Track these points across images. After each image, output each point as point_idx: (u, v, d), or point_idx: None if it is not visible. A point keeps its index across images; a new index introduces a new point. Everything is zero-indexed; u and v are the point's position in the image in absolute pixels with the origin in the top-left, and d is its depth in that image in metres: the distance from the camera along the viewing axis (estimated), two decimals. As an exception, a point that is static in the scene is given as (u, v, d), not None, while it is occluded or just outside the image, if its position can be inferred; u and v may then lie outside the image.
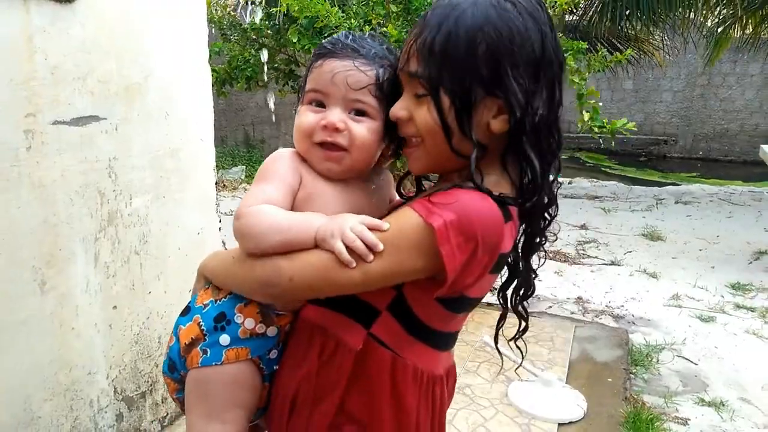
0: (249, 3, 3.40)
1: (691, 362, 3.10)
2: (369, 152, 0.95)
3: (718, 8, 6.97)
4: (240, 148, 8.89)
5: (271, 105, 3.63)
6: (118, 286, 1.95)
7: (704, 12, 7.00)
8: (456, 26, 0.82)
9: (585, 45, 3.04)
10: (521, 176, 0.88)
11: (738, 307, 3.81)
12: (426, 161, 0.91)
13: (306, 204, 0.93)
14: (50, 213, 1.70)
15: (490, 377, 2.72)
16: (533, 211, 0.89)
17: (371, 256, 0.80)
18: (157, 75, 1.98)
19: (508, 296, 0.98)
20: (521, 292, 0.97)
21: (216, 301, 0.97)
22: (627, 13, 6.48)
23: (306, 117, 0.94)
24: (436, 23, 0.83)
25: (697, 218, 5.99)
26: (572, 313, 3.65)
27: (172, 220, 2.13)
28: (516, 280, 0.97)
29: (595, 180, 8.34)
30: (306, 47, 2.96)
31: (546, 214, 0.92)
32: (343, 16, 2.82)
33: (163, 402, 2.21)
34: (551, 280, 4.19)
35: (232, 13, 3.64)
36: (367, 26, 2.83)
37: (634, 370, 2.97)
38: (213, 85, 2.44)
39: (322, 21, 2.78)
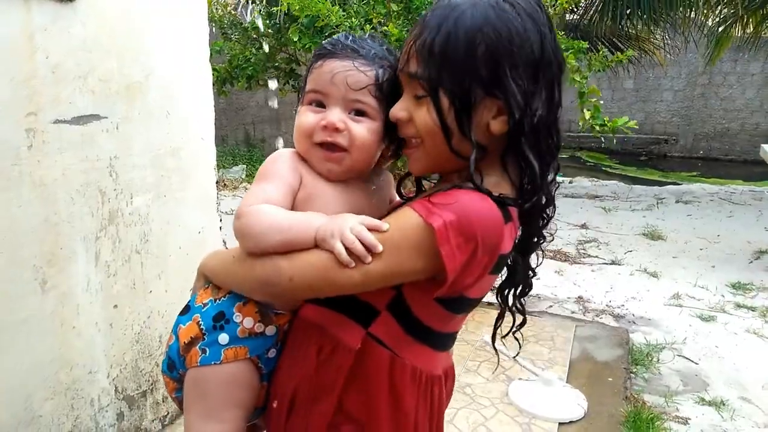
0: (249, 2, 3.41)
1: (692, 361, 3.10)
2: (369, 152, 0.95)
3: (718, 7, 6.97)
4: (240, 148, 8.89)
5: (275, 105, 3.64)
6: (118, 285, 1.96)
7: (705, 11, 6.99)
8: (455, 27, 0.82)
9: (586, 45, 3.04)
10: (521, 177, 0.88)
11: (738, 306, 3.81)
12: (426, 162, 0.92)
13: (306, 204, 0.93)
14: (51, 212, 1.71)
15: (491, 376, 2.72)
16: (532, 212, 0.89)
17: (369, 258, 0.80)
18: (158, 74, 1.98)
19: (507, 295, 0.99)
20: (519, 289, 0.98)
21: (215, 300, 0.97)
22: (628, 12, 6.48)
23: (306, 117, 0.95)
24: (436, 24, 0.83)
25: (697, 217, 5.99)
26: (573, 312, 3.65)
27: (173, 219, 2.13)
28: (515, 280, 0.97)
29: (595, 179, 8.34)
30: (307, 46, 2.96)
31: (544, 214, 0.93)
32: (343, 15, 2.82)
33: (163, 401, 2.21)
34: (552, 280, 4.19)
35: (233, 12, 3.64)
36: (367, 25, 2.83)
37: (634, 370, 2.97)
38: (214, 84, 2.43)
39: (322, 20, 2.78)
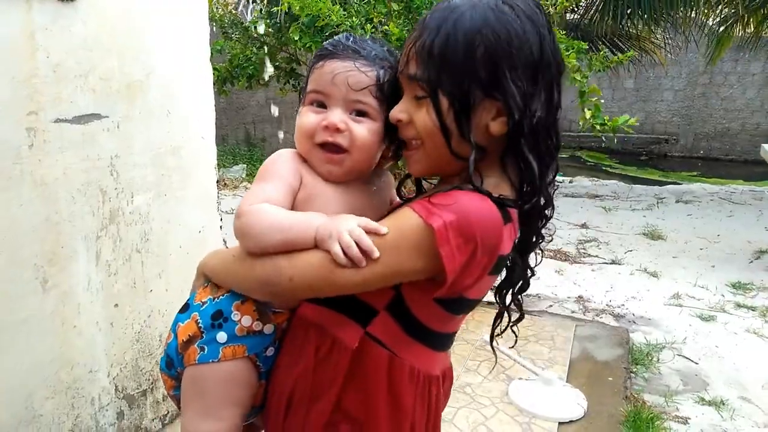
0: (250, 2, 3.41)
1: (692, 361, 3.11)
2: (369, 153, 0.95)
3: (719, 7, 6.97)
4: (241, 147, 8.88)
5: (275, 112, 3.65)
6: (119, 284, 1.96)
7: (706, 11, 6.99)
8: (454, 29, 0.82)
9: (585, 45, 3.04)
10: (520, 178, 0.88)
11: (738, 306, 3.81)
12: (426, 164, 0.92)
13: (306, 204, 0.93)
14: (52, 211, 1.71)
15: (491, 376, 2.72)
16: (531, 212, 0.90)
17: (365, 262, 0.80)
18: (158, 73, 1.98)
19: (505, 294, 0.99)
20: (516, 287, 0.98)
21: (214, 298, 0.97)
22: (628, 11, 6.47)
23: (307, 117, 0.95)
24: (435, 26, 0.84)
25: (697, 217, 5.99)
26: (573, 312, 3.65)
27: (173, 218, 2.13)
28: (513, 279, 0.98)
29: (595, 179, 8.34)
30: (307, 45, 2.96)
31: (543, 215, 0.93)
32: (344, 15, 2.82)
33: (163, 400, 2.21)
34: (552, 279, 4.19)
35: (233, 12, 3.65)
36: (368, 24, 2.83)
37: (634, 369, 2.97)
38: (214, 84, 2.43)
39: (323, 19, 2.78)
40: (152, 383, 2.15)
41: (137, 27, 1.89)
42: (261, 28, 3.26)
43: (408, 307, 0.88)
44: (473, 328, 3.12)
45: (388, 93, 0.93)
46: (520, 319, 1.02)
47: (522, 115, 0.83)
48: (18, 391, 1.71)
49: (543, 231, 0.95)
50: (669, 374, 2.97)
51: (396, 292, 0.87)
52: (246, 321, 0.95)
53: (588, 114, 3.00)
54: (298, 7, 2.79)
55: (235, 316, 0.95)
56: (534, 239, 0.95)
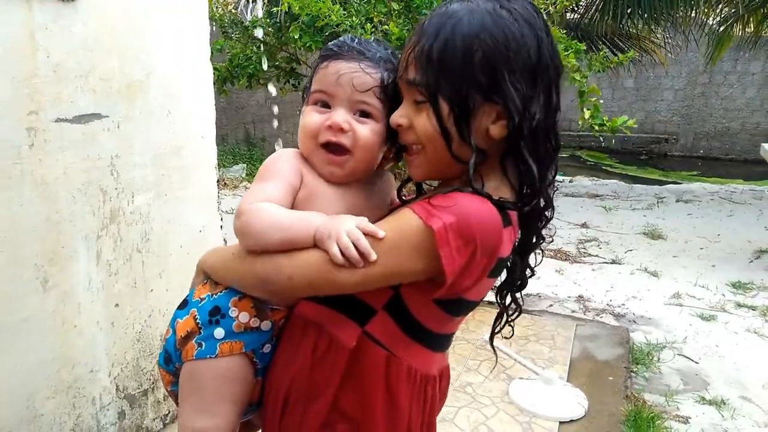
0: (250, 1, 3.41)
1: (692, 361, 3.11)
2: (372, 154, 0.96)
3: (719, 6, 6.97)
4: (241, 147, 8.88)
5: (275, 118, 3.66)
6: (120, 283, 1.96)
7: (706, 10, 6.99)
8: (453, 34, 0.82)
9: (583, 46, 3.04)
10: (520, 181, 0.88)
11: (739, 305, 3.81)
12: (427, 168, 0.92)
13: (306, 204, 0.94)
14: (52, 211, 1.71)
15: (491, 375, 2.72)
16: (531, 214, 0.90)
17: (362, 264, 0.81)
18: (158, 73, 1.98)
19: (505, 294, 1.00)
20: (515, 285, 0.99)
21: (212, 295, 0.98)
22: (628, 11, 6.48)
23: (311, 117, 0.95)
24: (434, 31, 0.84)
25: (697, 217, 5.99)
26: (573, 311, 3.65)
27: (173, 218, 2.13)
28: (513, 278, 0.98)
29: (595, 178, 8.35)
30: (307, 45, 2.96)
31: (543, 216, 0.93)
32: (344, 14, 2.82)
33: (164, 400, 2.21)
34: (552, 279, 4.19)
35: (233, 11, 3.65)
36: (368, 24, 2.83)
37: (635, 369, 2.97)
38: (214, 83, 2.43)
39: (323, 19, 2.78)
40: (153, 383, 2.15)
41: (137, 27, 1.89)
42: (259, 34, 3.27)
43: (407, 307, 0.88)
44: (474, 328, 3.12)
45: (392, 95, 0.93)
46: (518, 314, 1.03)
47: (521, 118, 0.83)
48: (19, 391, 1.71)
49: (543, 232, 0.95)
50: (669, 374, 2.97)
51: (395, 292, 0.88)
52: (243, 317, 0.95)
53: (587, 114, 3.00)
54: (298, 7, 2.79)
55: (233, 312, 0.95)
56: (534, 240, 0.95)
